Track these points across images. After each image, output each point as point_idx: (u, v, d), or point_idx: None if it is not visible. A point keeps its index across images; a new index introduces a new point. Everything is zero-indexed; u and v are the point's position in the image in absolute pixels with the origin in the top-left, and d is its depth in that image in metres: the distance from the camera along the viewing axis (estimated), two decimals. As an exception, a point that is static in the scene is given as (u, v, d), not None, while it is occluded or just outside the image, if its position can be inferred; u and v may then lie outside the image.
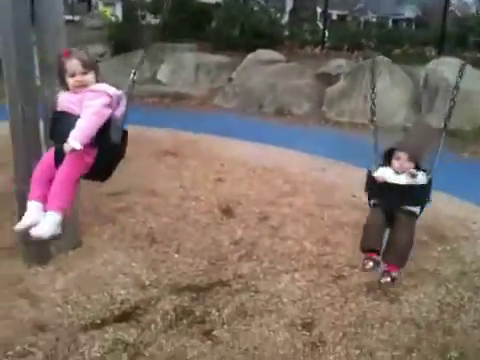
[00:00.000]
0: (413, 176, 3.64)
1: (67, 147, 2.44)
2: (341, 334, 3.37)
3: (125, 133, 2.70)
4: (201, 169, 6.50)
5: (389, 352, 3.21)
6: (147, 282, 3.88)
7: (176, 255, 4.30)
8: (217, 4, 16.16)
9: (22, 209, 4.06)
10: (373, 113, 3.80)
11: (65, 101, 2.53)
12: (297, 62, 11.98)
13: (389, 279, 3.43)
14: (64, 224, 4.18)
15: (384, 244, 3.56)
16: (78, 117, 2.47)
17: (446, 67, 9.29)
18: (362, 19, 23.34)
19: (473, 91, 8.49)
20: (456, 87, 3.63)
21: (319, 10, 18.79)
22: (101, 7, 28.20)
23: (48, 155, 2.69)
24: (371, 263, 3.45)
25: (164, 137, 7.74)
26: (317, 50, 13.30)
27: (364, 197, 3.79)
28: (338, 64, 11.06)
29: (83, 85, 2.51)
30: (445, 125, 3.72)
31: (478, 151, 8.14)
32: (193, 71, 12.68)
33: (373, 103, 3.82)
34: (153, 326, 3.37)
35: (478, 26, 12.12)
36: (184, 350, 3.15)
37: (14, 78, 3.87)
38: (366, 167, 3.69)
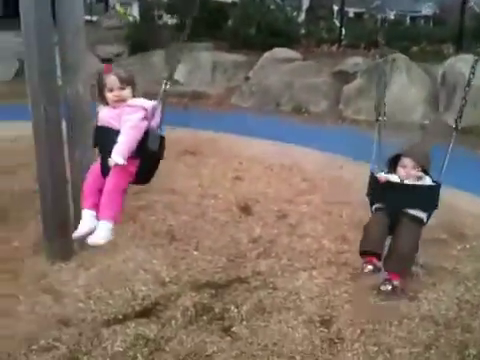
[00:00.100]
0: (419, 178, 3.61)
1: (111, 162, 2.66)
2: (359, 331, 3.39)
3: (162, 138, 2.87)
4: (219, 167, 6.55)
5: (407, 349, 3.23)
6: (167, 279, 3.95)
7: (195, 252, 4.36)
8: (233, 3, 16.19)
9: (45, 207, 4.19)
10: (379, 113, 3.78)
11: (105, 117, 2.73)
12: (314, 60, 11.96)
13: (390, 287, 3.41)
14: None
15: (386, 250, 3.55)
16: (118, 131, 2.64)
17: (464, 64, 9.21)
18: (379, 17, 23.18)
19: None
20: (468, 84, 3.59)
21: (336, 8, 18.73)
22: (118, 7, 28.42)
23: (95, 166, 2.90)
24: (370, 267, 3.40)
25: (183, 136, 7.78)
26: (334, 48, 13.26)
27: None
28: (355, 62, 11.02)
29: (120, 100, 2.69)
30: (456, 124, 3.67)
31: (494, 148, 8.09)
32: (210, 70, 12.73)
33: (379, 103, 3.79)
34: (173, 322, 3.43)
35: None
36: (204, 346, 3.20)
37: (36, 78, 3.94)
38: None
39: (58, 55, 4.13)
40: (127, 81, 2.73)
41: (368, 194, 3.76)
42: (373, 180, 3.67)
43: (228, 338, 3.29)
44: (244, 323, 3.45)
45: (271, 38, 12.87)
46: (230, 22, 14.80)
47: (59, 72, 4.15)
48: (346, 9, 17.82)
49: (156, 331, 3.32)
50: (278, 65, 11.75)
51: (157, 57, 13.63)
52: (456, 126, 3.69)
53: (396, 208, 3.55)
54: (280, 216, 5.16)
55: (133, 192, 5.53)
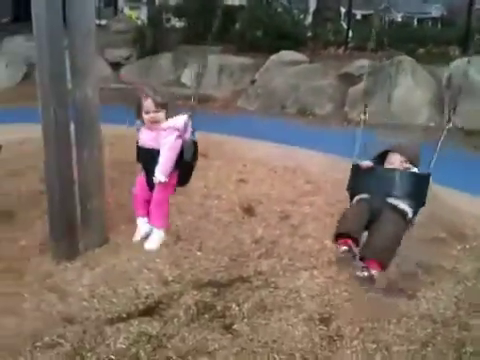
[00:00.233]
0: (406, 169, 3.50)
1: (156, 180, 3.04)
2: (358, 329, 3.44)
3: (195, 144, 3.22)
4: (224, 169, 6.62)
5: (405, 346, 3.28)
6: (170, 278, 4.02)
7: (198, 252, 4.43)
8: (241, 6, 16.28)
9: (52, 208, 4.29)
10: (365, 111, 3.71)
11: (145, 139, 3.06)
12: (320, 63, 12.03)
13: (366, 274, 3.22)
14: (92, 222, 4.41)
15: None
16: (157, 151, 2.99)
17: (470, 67, 9.24)
18: (387, 19, 23.16)
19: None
20: (459, 87, 3.53)
21: (343, 10, 18.76)
22: (127, 11, 28.63)
23: (141, 178, 3.30)
24: (345, 247, 3.25)
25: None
26: (340, 51, 13.31)
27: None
28: (361, 64, 11.06)
29: (155, 121, 3.03)
30: (449, 118, 3.55)
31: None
32: (216, 73, 12.83)
33: (365, 113, 3.73)
34: (176, 320, 3.49)
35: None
36: (205, 343, 3.27)
37: (47, 81, 4.02)
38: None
39: (68, 58, 4.21)
40: (161, 105, 3.05)
41: (348, 188, 3.61)
42: (355, 169, 3.54)
43: (229, 335, 3.35)
44: (245, 321, 3.51)
45: (278, 41, 12.94)
46: (237, 25, 14.88)
47: (69, 75, 4.24)
48: (353, 11, 17.89)
49: (158, 329, 3.39)
50: (284, 68, 11.82)
51: (165, 60, 13.77)
52: (449, 119, 3.59)
53: (379, 198, 3.35)
54: (283, 217, 5.22)
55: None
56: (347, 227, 3.32)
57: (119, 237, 4.60)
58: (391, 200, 3.33)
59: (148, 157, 3.09)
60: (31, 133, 6.12)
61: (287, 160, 7.02)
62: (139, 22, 18.44)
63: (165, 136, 2.99)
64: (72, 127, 4.28)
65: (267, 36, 13.38)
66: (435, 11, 33.20)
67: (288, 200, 5.63)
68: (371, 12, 26.30)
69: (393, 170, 3.43)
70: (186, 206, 5.35)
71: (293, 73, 11.54)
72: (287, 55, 12.32)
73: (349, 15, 15.68)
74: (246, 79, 12.44)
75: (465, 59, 9.82)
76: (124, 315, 3.55)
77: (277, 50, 12.46)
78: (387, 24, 18.49)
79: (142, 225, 3.36)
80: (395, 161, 3.53)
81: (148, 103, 3.05)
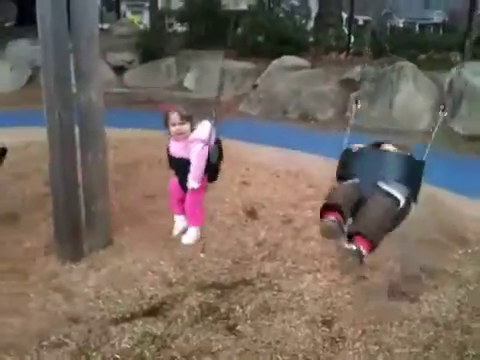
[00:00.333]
0: None
1: (189, 186, 3.35)
2: (360, 331, 3.48)
3: (219, 144, 3.48)
4: (227, 173, 6.61)
5: (407, 349, 3.31)
6: (174, 279, 4.06)
7: (202, 255, 4.46)
8: (243, 11, 16.36)
9: (57, 210, 4.32)
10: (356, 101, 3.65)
11: (175, 150, 3.41)
12: (322, 68, 12.07)
13: (354, 247, 2.96)
14: (96, 224, 4.45)
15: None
16: (187, 160, 3.32)
17: (470, 72, 9.31)
18: (388, 24, 23.24)
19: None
20: (449, 91, 3.42)
21: (345, 15, 18.84)
22: (129, 15, 28.75)
23: (174, 180, 3.64)
24: (332, 218, 3.02)
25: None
26: (342, 56, 13.37)
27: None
28: (362, 70, 11.10)
29: (181, 132, 3.33)
30: (444, 107, 3.42)
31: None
32: (219, 78, 12.86)
33: (356, 102, 3.66)
34: (180, 320, 3.53)
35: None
36: (209, 343, 3.30)
37: (52, 85, 4.06)
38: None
39: (72, 62, 4.27)
40: (186, 118, 3.33)
41: (338, 173, 3.42)
42: (346, 154, 3.40)
43: (233, 336, 3.39)
44: (248, 322, 3.55)
45: (280, 46, 12.99)
46: (239, 30, 14.96)
47: (73, 79, 4.28)
48: (355, 17, 17.96)
49: (163, 329, 3.43)
50: (286, 73, 11.86)
51: (167, 64, 13.83)
52: (444, 107, 3.44)
53: (370, 182, 3.17)
54: (285, 221, 5.25)
55: (143, 195, 5.70)
56: (335, 200, 3.11)
57: (123, 239, 4.64)
58: (383, 185, 3.15)
59: (179, 165, 3.46)
60: (36, 136, 6.17)
61: (289, 164, 7.06)
62: (141, 26, 18.56)
63: (193, 147, 3.31)
64: (76, 130, 4.34)
65: (269, 41, 13.44)
66: (437, 17, 33.34)
67: (291, 204, 5.66)
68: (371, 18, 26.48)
69: (386, 151, 3.36)
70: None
71: (295, 78, 11.57)
72: (289, 60, 12.37)
73: (350, 21, 15.74)
74: (248, 84, 12.49)
75: (466, 64, 9.91)
76: (129, 315, 3.59)
77: (279, 55, 12.51)
78: (389, 30, 18.58)
79: (179, 222, 3.74)
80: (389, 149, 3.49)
81: (174, 116, 3.34)
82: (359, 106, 3.62)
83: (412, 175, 3.18)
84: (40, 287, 3.89)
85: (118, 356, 3.16)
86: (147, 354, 3.19)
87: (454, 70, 9.82)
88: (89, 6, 4.28)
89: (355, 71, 11.19)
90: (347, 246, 2.97)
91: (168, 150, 3.51)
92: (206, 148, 3.34)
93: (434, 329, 3.53)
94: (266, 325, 3.53)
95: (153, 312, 3.63)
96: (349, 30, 14.90)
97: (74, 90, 4.30)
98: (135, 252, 4.42)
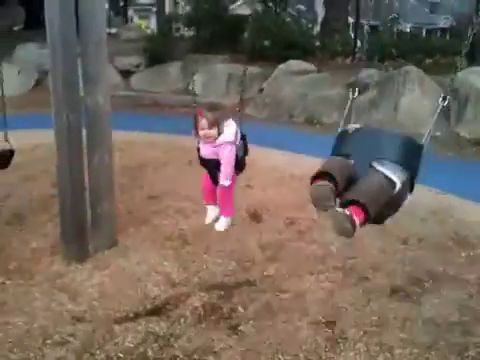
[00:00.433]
0: None
1: (221, 184, 3.63)
2: (362, 332, 3.50)
3: (245, 142, 3.69)
4: (231, 176, 6.69)
5: (408, 349, 3.33)
6: (177, 280, 4.10)
7: (205, 256, 4.51)
8: (250, 16, 16.44)
9: (63, 211, 4.38)
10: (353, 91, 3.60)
11: (205, 152, 3.65)
12: (328, 72, 12.12)
13: (348, 212, 2.72)
14: (102, 225, 4.50)
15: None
16: (216, 160, 3.59)
17: (476, 77, 9.32)
18: (395, 29, 23.32)
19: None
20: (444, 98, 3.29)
21: (351, 20, 18.90)
22: (137, 20, 28.96)
23: (205, 174, 3.86)
24: (324, 182, 2.83)
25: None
26: (348, 60, 13.41)
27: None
28: (368, 74, 11.14)
29: (209, 137, 3.54)
30: (444, 97, 3.30)
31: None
32: (225, 82, 12.95)
33: (353, 90, 3.61)
34: (183, 320, 3.57)
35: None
36: (212, 343, 3.34)
37: (60, 88, 4.13)
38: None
39: (80, 66, 4.32)
40: (213, 123, 3.53)
41: (332, 153, 3.20)
42: (341, 135, 3.24)
43: (235, 336, 3.42)
44: (251, 322, 3.58)
45: (286, 50, 13.05)
46: (246, 34, 15.03)
47: (81, 83, 4.35)
48: (362, 22, 18.01)
49: (166, 328, 3.47)
50: (292, 77, 11.92)
51: (173, 68, 13.92)
52: (444, 97, 3.30)
53: (365, 162, 2.99)
54: (289, 223, 5.28)
55: (148, 197, 5.75)
56: (329, 168, 2.90)
57: (128, 240, 4.69)
58: (378, 166, 2.96)
59: (210, 165, 3.72)
60: (43, 139, 6.26)
61: (294, 167, 7.09)
62: (149, 31, 18.70)
63: (222, 150, 3.56)
64: (84, 133, 4.39)
65: (275, 46, 13.50)
66: (444, 22, 33.39)
67: (294, 207, 5.68)
68: (378, 23, 26.53)
69: (383, 130, 3.27)
70: (192, 211, 5.43)
71: (301, 82, 11.63)
72: (295, 64, 12.42)
73: (356, 26, 15.80)
74: (254, 88, 12.53)
75: (471, 69, 9.92)
76: (132, 315, 3.63)
77: (285, 59, 12.57)
78: (396, 35, 18.60)
79: (211, 211, 3.93)
80: None
81: (203, 122, 3.54)
82: (356, 94, 3.59)
83: (410, 158, 3.01)
84: (45, 287, 3.94)
85: (121, 355, 3.20)
86: (150, 353, 3.23)
87: (459, 74, 9.82)
88: (97, 11, 4.35)
89: (361, 75, 11.22)
90: (340, 210, 2.72)
91: (198, 151, 3.75)
92: (234, 148, 3.58)
93: (435, 330, 3.54)
94: (268, 325, 3.56)
95: (156, 312, 3.67)
96: (355, 35, 14.94)
97: (82, 93, 4.36)
98: (139, 253, 4.47)
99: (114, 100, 4.81)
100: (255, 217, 5.40)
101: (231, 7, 18.92)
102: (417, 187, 5.93)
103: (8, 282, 3.99)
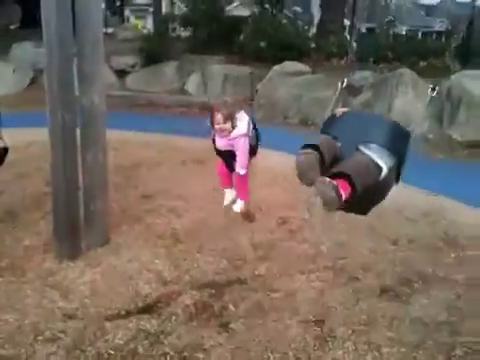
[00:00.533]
0: None
1: (237, 173, 3.99)
2: (351, 331, 3.54)
3: (256, 132, 4.06)
4: (225, 176, 6.72)
5: (396, 348, 3.37)
6: (169, 278, 4.13)
7: (197, 254, 4.54)
8: (246, 17, 16.48)
9: (56, 209, 4.40)
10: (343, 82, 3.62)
11: (220, 144, 3.97)
12: (323, 74, 12.15)
13: (334, 182, 2.66)
14: (94, 223, 4.53)
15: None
16: (231, 151, 3.92)
17: (469, 80, 9.38)
18: (391, 32, 23.42)
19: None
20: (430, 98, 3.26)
21: (347, 23, 18.98)
22: (133, 20, 28.96)
23: (220, 161, 4.21)
24: (309, 149, 2.79)
25: (192, 145, 8.00)
26: (343, 62, 13.46)
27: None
28: (363, 76, 11.19)
29: (223, 130, 3.83)
30: (434, 88, 3.28)
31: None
32: (220, 83, 12.98)
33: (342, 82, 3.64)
34: (173, 318, 3.60)
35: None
36: (201, 340, 3.37)
37: (55, 87, 4.14)
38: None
39: (76, 66, 4.34)
40: (227, 117, 3.81)
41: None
42: (329, 118, 3.24)
43: (225, 334, 3.46)
44: (241, 321, 3.62)
45: (281, 52, 13.08)
46: (242, 36, 15.06)
47: (76, 82, 4.36)
48: (359, 24, 18.09)
49: (156, 326, 3.50)
50: (287, 78, 11.94)
51: (169, 68, 13.94)
52: (433, 88, 3.29)
53: (351, 145, 2.94)
54: (281, 223, 5.32)
55: (141, 196, 5.78)
56: (316, 142, 2.86)
57: (121, 237, 4.72)
58: (365, 150, 2.90)
59: (225, 155, 4.04)
60: (37, 137, 6.28)
61: (287, 168, 7.05)
62: (145, 31, 18.70)
63: (237, 142, 3.85)
64: (78, 132, 4.41)
65: (271, 47, 13.53)
66: (439, 25, 33.57)
67: (287, 206, 5.73)
68: (375, 25, 26.66)
69: (371, 114, 3.27)
70: (185, 210, 5.47)
71: (296, 84, 11.66)
72: (290, 66, 12.44)
73: (351, 28, 15.87)
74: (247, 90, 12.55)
75: (465, 72, 9.99)
76: (123, 312, 3.65)
77: (281, 61, 12.59)
78: (391, 37, 18.67)
79: (228, 194, 4.28)
80: None
81: (218, 117, 3.78)
82: (344, 84, 3.64)
83: (398, 143, 2.96)
84: (37, 284, 3.96)
85: (112, 351, 3.22)
86: (140, 349, 3.26)
87: (453, 77, 9.90)
88: (93, 10, 4.37)
89: (355, 77, 11.28)
90: (326, 180, 2.66)
91: (214, 142, 4.06)
92: (247, 140, 3.89)
93: (423, 330, 3.58)
94: (259, 324, 3.59)
95: (147, 310, 3.70)
96: (350, 37, 15.00)
97: (77, 93, 4.38)
98: (132, 251, 4.50)
99: (109, 100, 4.83)
100: (247, 216, 5.42)
101: (227, 8, 18.94)
102: (409, 189, 6.04)
103: (0, 279, 4.01)
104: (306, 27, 16.24)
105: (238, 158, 3.95)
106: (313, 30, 17.48)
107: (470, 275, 4.37)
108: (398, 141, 2.99)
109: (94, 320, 3.54)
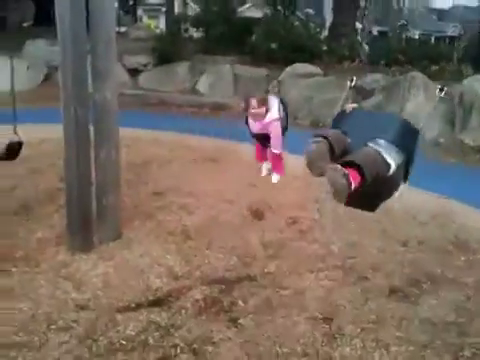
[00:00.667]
0: None
1: (273, 151, 4.28)
2: (359, 329, 3.57)
3: (284, 104, 4.27)
4: (236, 175, 6.77)
5: (404, 347, 3.40)
6: (180, 273, 4.18)
7: (208, 251, 4.59)
8: (259, 19, 16.52)
9: (70, 203, 4.47)
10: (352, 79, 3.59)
11: (254, 128, 4.21)
12: (334, 76, 12.17)
13: (345, 171, 2.66)
14: (107, 217, 4.59)
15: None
16: (266, 134, 4.17)
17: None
18: (404, 36, 23.38)
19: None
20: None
21: (360, 26, 18.96)
22: (146, 20, 29.11)
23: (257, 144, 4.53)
24: (319, 138, 2.79)
25: (204, 144, 8.08)
26: (354, 64, 13.46)
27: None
28: (374, 79, 11.19)
29: (256, 114, 4.04)
30: (441, 88, 3.28)
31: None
32: (231, 83, 13.03)
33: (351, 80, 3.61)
34: (183, 312, 3.66)
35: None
36: (211, 334, 3.42)
37: (69, 84, 4.22)
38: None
39: (89, 63, 4.42)
40: (261, 103, 4.01)
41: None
42: (339, 114, 3.26)
43: (234, 329, 3.50)
44: (250, 316, 3.66)
45: (293, 53, 13.11)
46: (254, 37, 15.11)
47: (90, 79, 4.43)
48: (370, 28, 18.09)
49: (167, 319, 3.55)
50: (298, 80, 11.98)
51: (181, 68, 14.00)
52: (441, 88, 3.28)
53: (360, 141, 2.94)
54: (291, 222, 5.35)
55: (152, 192, 5.84)
56: (327, 134, 2.88)
57: (132, 233, 4.78)
58: (374, 146, 2.90)
59: (259, 137, 4.31)
60: (50, 133, 6.35)
61: (297, 168, 7.11)
62: (158, 31, 18.81)
63: (270, 126, 4.10)
64: (91, 128, 4.48)
65: (283, 49, 13.56)
66: (452, 30, 33.41)
67: (297, 206, 5.76)
68: (387, 29, 26.61)
69: (381, 112, 3.30)
70: (196, 208, 5.53)
71: (307, 85, 11.69)
72: (302, 68, 12.48)
73: (363, 31, 15.87)
74: (261, 90, 12.59)
75: (477, 77, 9.97)
76: (134, 305, 3.71)
77: (292, 62, 12.63)
78: (404, 41, 18.65)
79: (264, 167, 4.60)
80: None
81: (253, 102, 3.99)
82: (353, 83, 3.64)
83: (406, 140, 2.96)
84: (50, 275, 4.03)
85: (123, 342, 3.28)
86: (151, 341, 3.31)
87: (465, 81, 9.90)
88: (107, 9, 4.44)
89: (367, 79, 11.29)
90: (338, 167, 2.66)
91: (248, 126, 4.29)
92: (279, 122, 4.13)
93: (432, 330, 3.60)
94: (267, 320, 3.63)
95: (158, 303, 3.76)
96: (362, 40, 15.00)
97: (90, 90, 4.45)
98: (143, 246, 4.56)
99: (122, 98, 4.90)
100: (257, 215, 5.47)
101: (240, 9, 19.00)
102: (419, 192, 6.05)
103: (14, 270, 4.08)
104: (318, 29, 16.25)
105: (272, 140, 4.24)
106: (325, 33, 17.51)
107: (481, 278, 4.39)
108: (407, 138, 3.00)
109: (106, 311, 3.60)
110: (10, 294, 3.74)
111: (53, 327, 3.38)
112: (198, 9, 17.34)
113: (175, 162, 7.20)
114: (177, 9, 21.11)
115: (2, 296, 3.70)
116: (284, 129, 4.32)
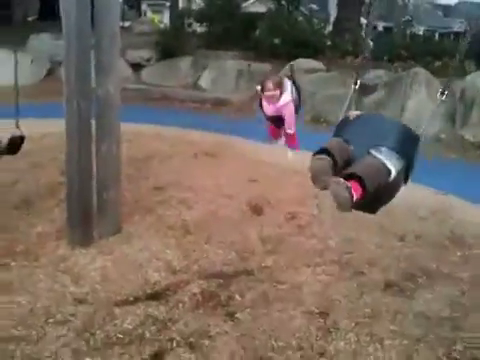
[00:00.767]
0: None
1: (288, 132, 4.35)
2: (354, 323, 3.61)
3: (296, 84, 4.32)
4: (236, 170, 6.81)
5: (398, 341, 3.44)
6: (178, 267, 4.23)
7: (207, 245, 4.63)
8: (262, 14, 16.51)
9: (70, 197, 4.51)
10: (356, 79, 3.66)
11: (268, 110, 4.26)
12: (337, 71, 12.17)
13: (348, 184, 2.74)
14: (107, 212, 4.63)
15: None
16: (280, 116, 4.23)
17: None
18: (409, 32, 23.30)
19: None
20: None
21: (364, 21, 18.89)
22: (150, 14, 29.09)
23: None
24: (323, 156, 2.89)
25: (204, 139, 8.11)
26: (358, 60, 13.43)
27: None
28: (377, 75, 11.19)
29: (271, 96, 4.10)
30: (444, 88, 3.32)
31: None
32: (234, 78, 13.05)
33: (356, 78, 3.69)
34: (181, 305, 3.70)
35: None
36: (208, 327, 3.46)
37: (73, 78, 4.26)
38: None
39: (93, 57, 4.45)
40: (276, 85, 4.07)
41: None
42: (343, 121, 3.35)
43: (231, 322, 3.55)
44: (247, 310, 3.70)
45: (296, 49, 13.11)
46: (258, 32, 15.11)
47: (93, 73, 4.47)
48: (375, 23, 18.02)
49: (164, 313, 3.60)
50: (301, 75, 11.96)
51: (184, 63, 14.03)
52: (444, 88, 3.33)
53: (363, 148, 3.04)
54: (289, 218, 5.38)
55: (153, 187, 5.88)
56: (329, 147, 2.97)
57: (132, 227, 4.83)
58: (375, 153, 3.02)
59: (274, 119, 4.38)
60: (52, 128, 6.41)
61: (297, 163, 7.13)
62: (162, 26, 18.81)
63: (283, 107, 4.16)
64: (93, 122, 4.52)
65: (286, 44, 13.56)
66: (458, 26, 33.24)
67: (296, 201, 5.79)
68: (392, 25, 26.52)
69: (383, 118, 3.41)
70: (195, 203, 5.57)
71: (310, 81, 11.68)
72: (305, 63, 12.47)
73: (367, 26, 15.79)
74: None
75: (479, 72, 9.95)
76: (132, 299, 3.76)
77: (295, 58, 12.61)
78: (408, 37, 18.59)
79: (280, 143, 4.64)
80: None
81: (269, 84, 4.06)
82: (358, 83, 3.69)
83: (407, 146, 3.07)
84: (49, 269, 4.08)
85: (120, 335, 3.33)
86: (148, 334, 3.36)
87: (468, 77, 9.87)
88: (112, 3, 4.48)
89: (370, 75, 11.29)
90: (341, 180, 2.76)
91: (261, 108, 4.38)
92: (292, 104, 4.20)
93: (426, 324, 3.64)
94: (264, 313, 3.68)
95: (156, 297, 3.80)
96: (366, 35, 14.95)
97: (93, 84, 4.48)
98: (142, 240, 4.60)
99: (124, 93, 4.94)
100: (256, 210, 5.51)
101: (244, 4, 18.98)
102: (419, 187, 6.07)
103: (14, 263, 4.13)
104: (322, 25, 16.24)
105: (286, 121, 4.33)
106: (329, 28, 17.48)
107: (476, 273, 4.42)
108: (407, 145, 3.10)
109: (104, 305, 3.65)
110: (9, 288, 3.78)
111: (51, 321, 3.43)
112: (202, 4, 17.31)
113: (176, 157, 7.24)
114: (181, 4, 21.07)
115: (1, 290, 3.75)
116: (297, 108, 4.41)
